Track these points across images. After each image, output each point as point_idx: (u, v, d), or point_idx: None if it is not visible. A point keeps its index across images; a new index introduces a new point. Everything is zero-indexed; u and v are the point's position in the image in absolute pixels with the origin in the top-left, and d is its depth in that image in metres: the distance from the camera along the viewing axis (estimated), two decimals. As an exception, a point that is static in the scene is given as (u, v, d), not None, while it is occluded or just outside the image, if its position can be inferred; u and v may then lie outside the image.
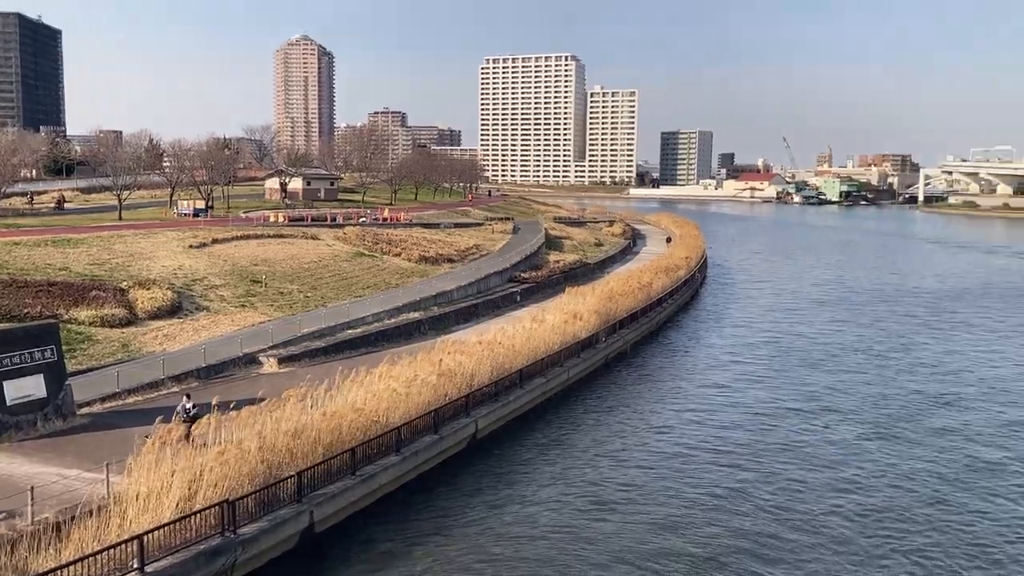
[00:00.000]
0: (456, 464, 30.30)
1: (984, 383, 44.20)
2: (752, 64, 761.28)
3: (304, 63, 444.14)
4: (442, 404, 30.46)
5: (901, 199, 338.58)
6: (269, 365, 37.78)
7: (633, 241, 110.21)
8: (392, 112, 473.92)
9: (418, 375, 31.35)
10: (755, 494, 28.30)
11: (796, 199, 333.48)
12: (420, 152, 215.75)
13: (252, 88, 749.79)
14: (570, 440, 34.14)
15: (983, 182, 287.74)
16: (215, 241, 59.83)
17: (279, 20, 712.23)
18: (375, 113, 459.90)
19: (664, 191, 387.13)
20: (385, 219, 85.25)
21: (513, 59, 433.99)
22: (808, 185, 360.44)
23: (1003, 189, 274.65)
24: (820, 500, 27.82)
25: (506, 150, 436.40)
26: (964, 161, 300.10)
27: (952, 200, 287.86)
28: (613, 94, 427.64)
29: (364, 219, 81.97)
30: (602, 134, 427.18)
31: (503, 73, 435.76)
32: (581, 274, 71.86)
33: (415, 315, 48.86)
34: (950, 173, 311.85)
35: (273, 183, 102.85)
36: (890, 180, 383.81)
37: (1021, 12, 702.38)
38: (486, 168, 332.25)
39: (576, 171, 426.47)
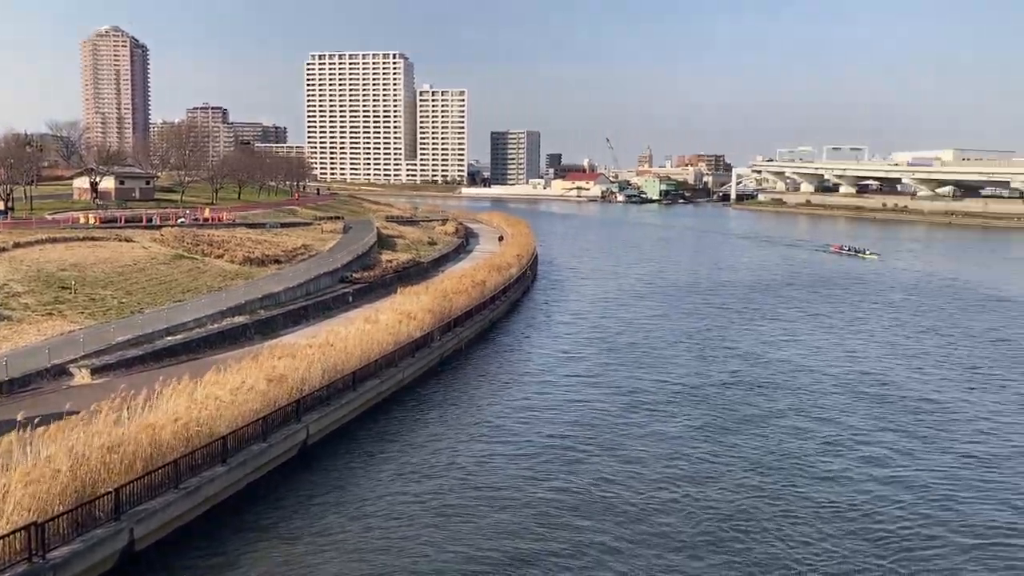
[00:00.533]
0: (288, 471, 29.49)
1: (789, 365, 47.64)
2: (579, 65, 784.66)
3: (115, 55, 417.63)
4: (271, 411, 29.55)
5: (715, 197, 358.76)
6: (81, 376, 35.34)
7: (466, 240, 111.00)
8: (213, 108, 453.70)
9: (246, 381, 30.25)
10: (591, 473, 29.33)
11: (620, 198, 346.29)
12: (243, 149, 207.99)
13: (59, 81, 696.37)
14: (407, 439, 34.00)
15: (788, 181, 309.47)
16: (16, 245, 55.29)
17: (87, 9, 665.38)
18: (194, 109, 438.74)
19: (495, 190, 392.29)
20: (206, 219, 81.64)
21: (340, 56, 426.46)
22: (631, 184, 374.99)
23: (806, 187, 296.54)
24: (651, 471, 29.12)
25: (335, 148, 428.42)
26: (771, 161, 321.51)
27: (761, 198, 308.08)
28: (443, 93, 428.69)
29: (183, 220, 78.17)
30: (433, 133, 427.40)
31: (330, 70, 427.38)
32: (415, 273, 71.67)
33: (241, 319, 47.10)
34: (759, 172, 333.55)
35: (82, 183, 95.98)
36: (705, 179, 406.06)
37: (810, 19, 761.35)
38: (314, 166, 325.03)
39: (408, 170, 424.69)
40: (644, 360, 48.73)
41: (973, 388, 43.67)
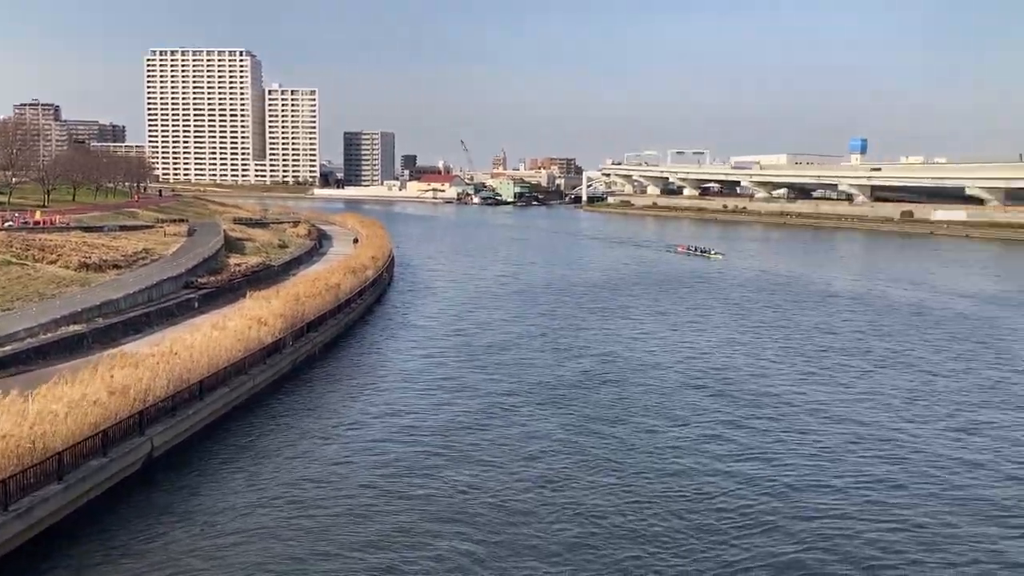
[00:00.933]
0: (132, 487, 27.99)
1: (639, 362, 49.38)
2: (434, 67, 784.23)
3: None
4: (112, 424, 27.97)
5: (567, 199, 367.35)
6: None
7: (319, 242, 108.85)
8: (43, 104, 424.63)
9: (86, 394, 28.49)
10: (449, 477, 29.37)
11: (475, 200, 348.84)
12: (78, 148, 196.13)
13: None
14: (260, 448, 32.98)
15: (636, 184, 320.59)
16: None
17: None
18: (22, 105, 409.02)
19: (349, 192, 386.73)
20: (37, 222, 76.45)
21: (183, 52, 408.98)
22: (486, 187, 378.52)
23: (652, 190, 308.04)
24: (509, 474, 29.48)
25: (178, 148, 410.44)
26: (620, 165, 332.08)
27: (611, 200, 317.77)
28: (293, 92, 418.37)
29: (11, 223, 72.93)
30: (283, 133, 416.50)
31: (172, 67, 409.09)
32: (265, 277, 69.62)
33: (77, 328, 44.27)
34: (608, 175, 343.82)
35: None
36: (558, 182, 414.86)
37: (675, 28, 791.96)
38: (156, 166, 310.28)
39: (257, 170, 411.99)
40: (501, 360, 49.28)
41: (805, 379, 46.59)
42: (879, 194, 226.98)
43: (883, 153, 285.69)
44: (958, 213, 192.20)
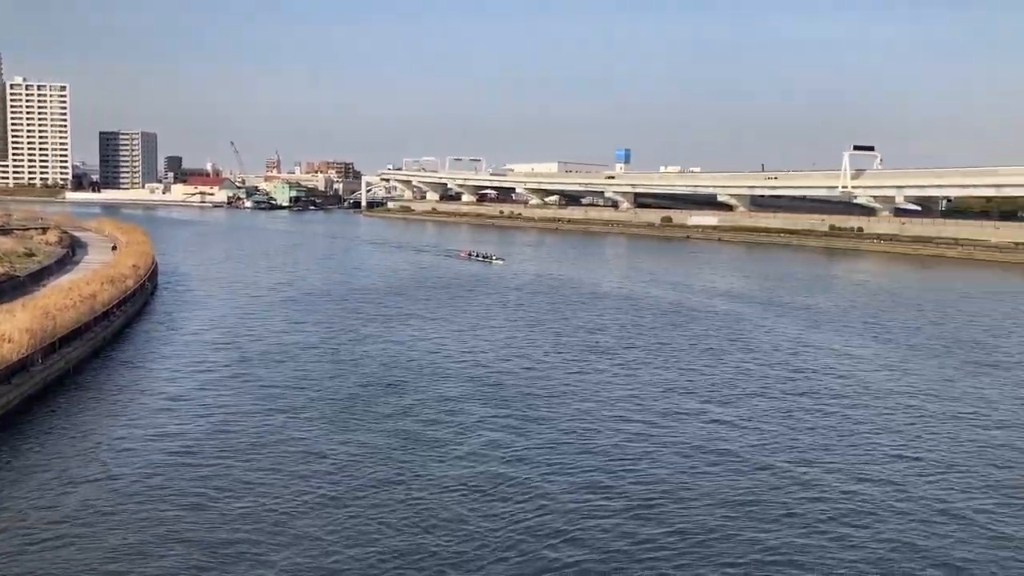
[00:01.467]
0: None
1: (419, 364, 49.67)
2: (201, 65, 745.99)
3: None
4: None
5: (347, 204, 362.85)
6: None
7: (73, 250, 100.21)
8: None
9: None
10: (223, 501, 28.04)
11: (248, 204, 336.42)
12: None
13: None
14: (5, 476, 29.85)
15: (415, 189, 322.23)
16: None
17: None
18: None
19: (107, 195, 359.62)
20: None
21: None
22: (259, 190, 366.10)
23: (431, 195, 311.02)
24: (287, 491, 28.65)
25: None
26: (399, 170, 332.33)
27: (391, 205, 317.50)
28: (39, 88, 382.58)
29: None
30: (28, 131, 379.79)
31: None
32: (9, 289, 63.15)
33: None
34: (388, 180, 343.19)
35: None
36: (336, 186, 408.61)
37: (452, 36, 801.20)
38: None
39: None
40: (279, 369, 47.78)
41: (574, 374, 48.94)
42: (641, 201, 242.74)
43: (646, 163, 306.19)
44: (710, 218, 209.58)
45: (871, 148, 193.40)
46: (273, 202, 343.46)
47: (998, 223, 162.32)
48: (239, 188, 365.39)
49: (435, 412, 39.57)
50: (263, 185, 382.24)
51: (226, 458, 32.23)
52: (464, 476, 30.80)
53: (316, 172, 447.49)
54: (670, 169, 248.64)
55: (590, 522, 27.13)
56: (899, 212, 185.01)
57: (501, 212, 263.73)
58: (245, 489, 29.06)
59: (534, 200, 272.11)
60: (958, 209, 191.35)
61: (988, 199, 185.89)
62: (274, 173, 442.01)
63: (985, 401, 44.54)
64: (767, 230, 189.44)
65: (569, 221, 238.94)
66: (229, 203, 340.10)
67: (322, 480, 30.21)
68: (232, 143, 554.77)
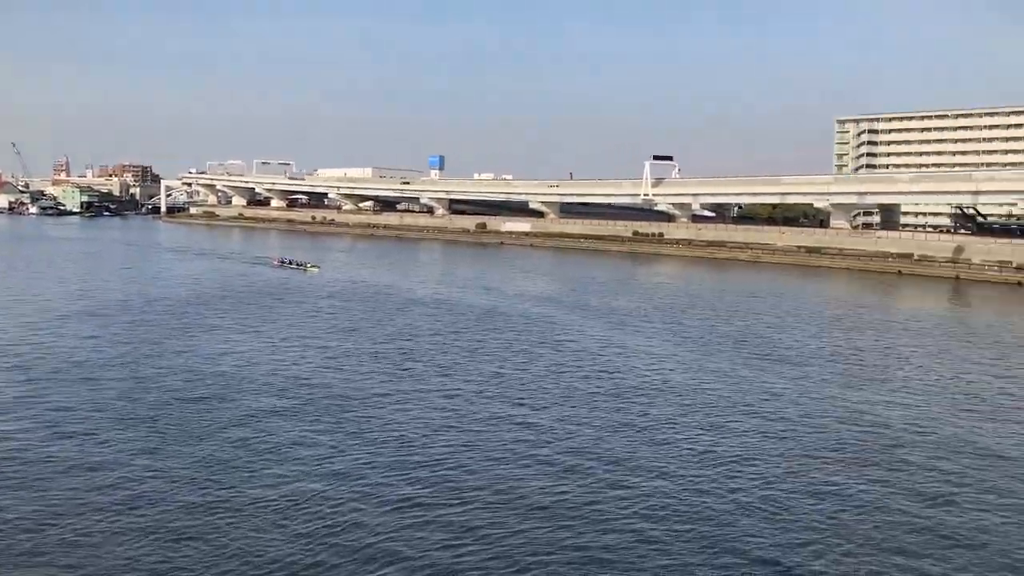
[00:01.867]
0: None
1: (228, 377, 47.76)
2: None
3: None
4: None
5: (145, 210, 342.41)
6: None
7: None
8: None
9: None
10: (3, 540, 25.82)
11: (33, 209, 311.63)
12: None
13: None
14: None
15: (220, 194, 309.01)
16: None
17: None
18: None
19: None
20: None
21: None
22: (45, 195, 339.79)
23: (238, 200, 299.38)
24: (77, 524, 26.77)
25: None
26: (203, 174, 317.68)
27: (193, 211, 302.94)
28: None
29: None
30: None
31: None
32: None
33: None
34: (190, 184, 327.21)
35: None
36: (132, 191, 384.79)
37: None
38: None
39: None
40: (72, 389, 44.33)
41: (388, 379, 48.86)
42: (456, 207, 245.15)
43: (460, 170, 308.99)
44: (524, 225, 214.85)
45: (670, 158, 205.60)
46: (62, 208, 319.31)
47: (783, 228, 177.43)
48: (22, 192, 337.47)
49: (245, 430, 38.17)
50: (50, 189, 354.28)
51: (7, 490, 29.67)
52: (277, 496, 29.86)
53: (111, 176, 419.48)
54: (484, 176, 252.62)
55: (407, 534, 27.17)
56: (696, 218, 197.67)
57: (313, 218, 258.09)
58: (31, 525, 26.91)
59: (348, 205, 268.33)
60: (748, 215, 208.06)
61: (774, 206, 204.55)
62: (63, 177, 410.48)
63: (770, 393, 48.45)
64: (576, 236, 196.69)
65: (384, 227, 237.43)
66: (11, 209, 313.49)
67: (121, 508, 28.39)
68: (13, 144, 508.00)
